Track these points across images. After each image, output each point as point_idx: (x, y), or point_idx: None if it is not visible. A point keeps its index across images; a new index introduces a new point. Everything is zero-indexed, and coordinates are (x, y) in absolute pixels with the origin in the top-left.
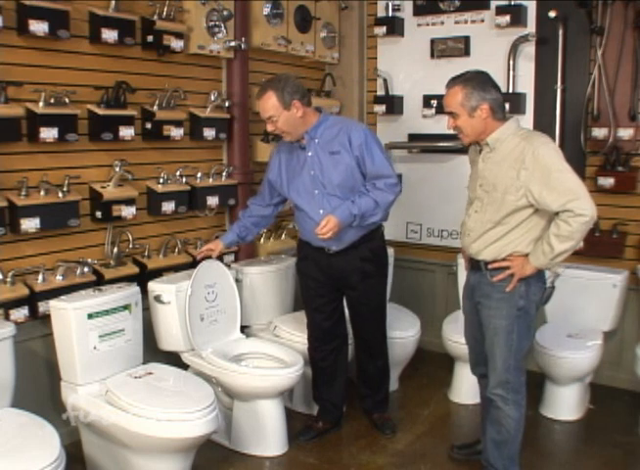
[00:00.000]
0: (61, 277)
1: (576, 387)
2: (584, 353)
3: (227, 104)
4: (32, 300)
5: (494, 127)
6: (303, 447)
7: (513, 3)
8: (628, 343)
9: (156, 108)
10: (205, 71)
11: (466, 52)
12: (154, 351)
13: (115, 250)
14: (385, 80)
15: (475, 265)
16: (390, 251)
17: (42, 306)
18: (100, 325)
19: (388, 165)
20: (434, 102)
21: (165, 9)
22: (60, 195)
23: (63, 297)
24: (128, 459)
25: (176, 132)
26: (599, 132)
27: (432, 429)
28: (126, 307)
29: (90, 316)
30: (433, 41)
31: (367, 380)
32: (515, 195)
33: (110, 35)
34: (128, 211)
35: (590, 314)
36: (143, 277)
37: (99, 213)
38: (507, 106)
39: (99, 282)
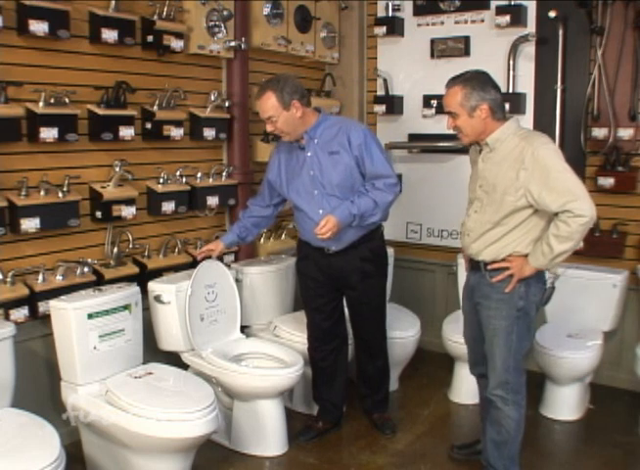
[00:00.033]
0: (61, 277)
1: (576, 387)
2: (584, 353)
3: (227, 104)
4: (32, 300)
5: (494, 127)
6: (303, 447)
7: (513, 3)
8: (628, 343)
9: (156, 108)
10: (204, 71)
11: (466, 52)
12: (154, 351)
13: (115, 250)
14: (385, 80)
15: (474, 266)
16: (390, 251)
17: (42, 306)
18: (100, 325)
19: (388, 166)
20: (434, 102)
21: (165, 9)
22: (60, 195)
23: (63, 297)
24: (128, 459)
25: (176, 132)
26: (599, 132)
27: (432, 429)
28: (126, 307)
29: (90, 316)
30: (433, 41)
31: (367, 380)
32: (514, 195)
33: (110, 35)
34: (128, 211)
35: (590, 314)
36: (143, 277)
37: (99, 213)
38: (507, 106)
39: (99, 282)
